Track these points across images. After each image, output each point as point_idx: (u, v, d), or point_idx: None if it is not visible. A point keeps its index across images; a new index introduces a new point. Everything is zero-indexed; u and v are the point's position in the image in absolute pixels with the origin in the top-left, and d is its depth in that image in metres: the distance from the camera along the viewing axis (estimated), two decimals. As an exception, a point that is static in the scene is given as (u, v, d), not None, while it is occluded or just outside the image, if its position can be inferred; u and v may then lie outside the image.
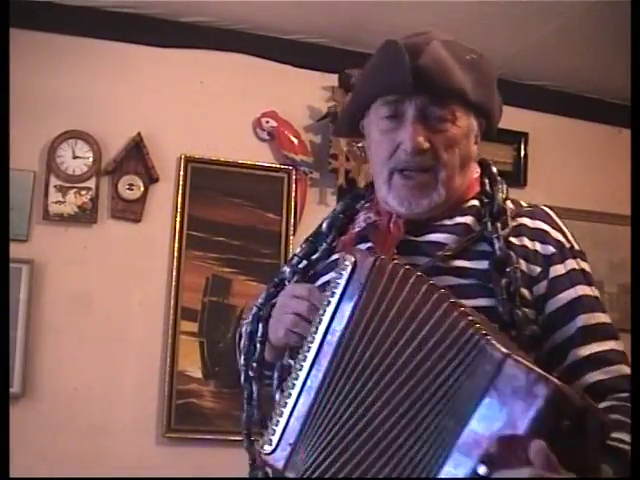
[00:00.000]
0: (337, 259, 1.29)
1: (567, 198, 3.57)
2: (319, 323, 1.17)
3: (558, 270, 1.31)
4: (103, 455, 2.83)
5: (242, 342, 1.43)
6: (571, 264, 1.32)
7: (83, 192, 2.94)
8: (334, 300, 1.17)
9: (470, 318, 1.07)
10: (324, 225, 1.44)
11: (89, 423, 2.84)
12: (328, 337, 1.15)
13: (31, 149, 2.92)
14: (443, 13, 2.95)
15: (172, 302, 2.98)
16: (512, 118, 3.67)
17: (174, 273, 3.00)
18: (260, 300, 1.41)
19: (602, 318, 1.31)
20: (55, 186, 2.92)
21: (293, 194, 3.18)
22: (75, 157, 2.95)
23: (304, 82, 3.27)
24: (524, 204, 1.40)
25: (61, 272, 2.90)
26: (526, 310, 1.27)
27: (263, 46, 3.23)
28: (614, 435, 1.11)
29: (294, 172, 3.19)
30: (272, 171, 3.20)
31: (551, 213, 1.39)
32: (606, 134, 3.70)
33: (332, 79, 3.30)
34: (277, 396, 1.30)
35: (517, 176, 3.52)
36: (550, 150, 3.59)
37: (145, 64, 3.11)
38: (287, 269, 1.42)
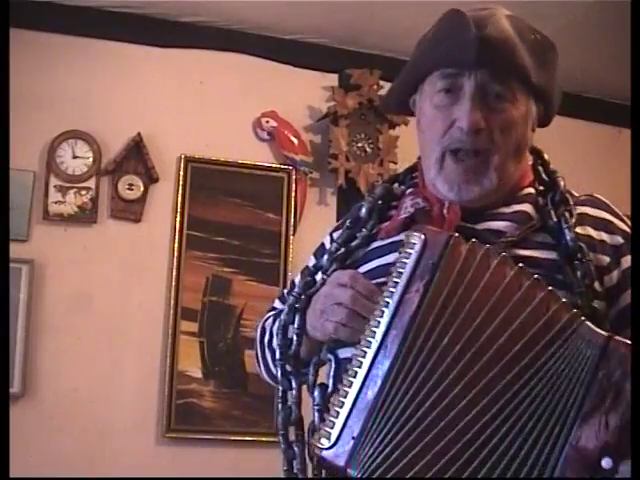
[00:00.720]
0: (387, 244, 1.22)
1: (567, 198, 3.57)
2: (385, 306, 1.07)
3: (629, 261, 1.24)
4: (103, 455, 2.83)
5: (267, 335, 1.35)
6: None
7: (83, 192, 2.94)
8: (402, 281, 1.07)
9: (562, 301, 1.01)
10: (363, 211, 1.33)
11: (89, 423, 2.84)
12: (396, 321, 1.05)
13: (31, 149, 2.92)
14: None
15: (172, 302, 2.98)
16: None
17: (174, 273, 3.00)
18: (297, 289, 1.29)
19: None
20: (55, 186, 2.92)
21: (293, 194, 3.18)
22: (75, 157, 2.95)
23: (304, 82, 3.27)
24: (575, 193, 1.35)
25: (61, 272, 2.90)
26: (598, 303, 1.20)
27: (263, 46, 3.23)
28: None
29: (294, 172, 3.19)
30: (272, 171, 3.20)
31: (609, 203, 1.34)
32: (606, 134, 3.70)
33: (332, 79, 3.30)
34: (315, 393, 1.21)
35: (517, 176, 3.52)
36: (550, 150, 3.58)
37: (145, 64, 3.11)
38: (325, 257, 1.32)
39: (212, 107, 3.15)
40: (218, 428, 2.94)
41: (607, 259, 1.24)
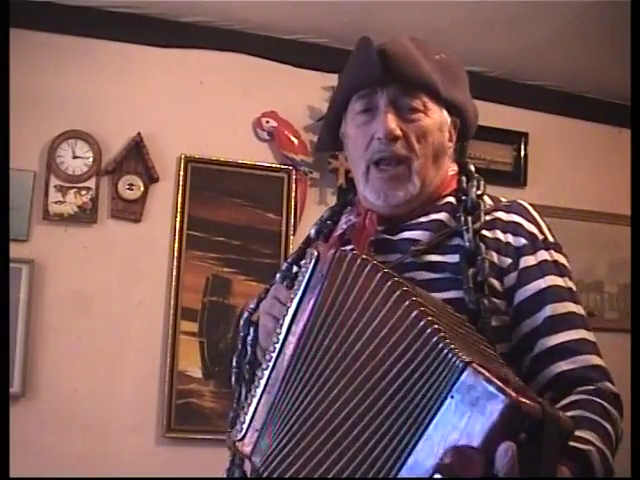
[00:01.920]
0: None
1: (567, 198, 3.57)
2: (285, 315, 1.21)
3: (529, 261, 1.32)
4: (103, 455, 2.83)
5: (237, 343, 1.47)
6: (542, 255, 1.33)
7: (83, 192, 2.95)
8: (299, 293, 1.20)
9: (426, 312, 1.06)
10: (312, 232, 1.49)
11: (89, 423, 2.84)
12: (293, 328, 1.19)
13: (31, 149, 2.92)
14: (443, 13, 2.95)
15: (172, 302, 2.98)
16: (512, 118, 3.70)
17: (174, 273, 3.00)
18: (251, 305, 1.44)
19: (572, 308, 1.31)
20: (55, 186, 2.92)
21: (293, 194, 3.18)
22: (75, 157, 2.95)
23: (304, 82, 3.27)
24: (503, 200, 1.41)
25: (61, 272, 2.90)
26: (496, 301, 1.28)
27: (263, 46, 3.23)
28: (577, 434, 1.10)
29: (294, 172, 3.19)
30: (272, 171, 3.20)
31: (528, 207, 1.40)
32: (606, 134, 3.70)
33: (332, 79, 3.30)
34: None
35: (517, 176, 3.52)
36: (550, 150, 3.59)
37: (145, 64, 3.11)
38: (277, 275, 1.45)
39: (212, 107, 3.15)
40: (218, 428, 2.94)
41: (509, 260, 1.32)
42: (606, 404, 1.21)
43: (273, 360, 1.20)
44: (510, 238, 1.33)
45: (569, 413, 1.16)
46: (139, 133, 3.00)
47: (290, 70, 3.27)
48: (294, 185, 3.19)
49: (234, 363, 1.46)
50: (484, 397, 0.96)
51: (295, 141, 3.19)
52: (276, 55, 3.24)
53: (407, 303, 1.08)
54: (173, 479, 2.83)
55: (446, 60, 1.42)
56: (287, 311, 1.21)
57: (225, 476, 1.43)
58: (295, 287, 1.22)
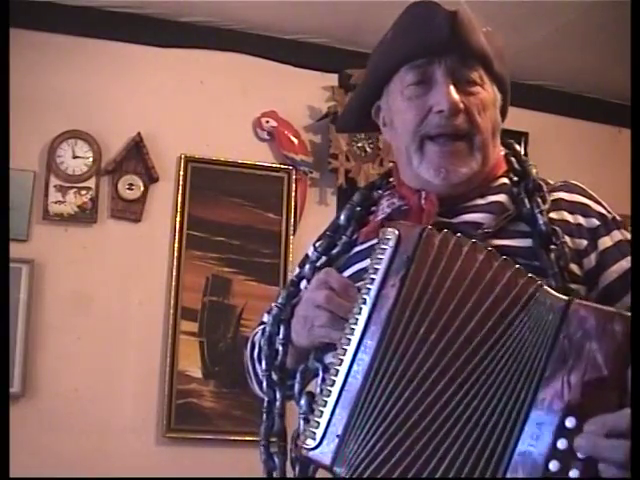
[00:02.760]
0: (366, 248, 1.22)
1: (567, 198, 3.57)
2: (363, 303, 1.07)
3: (606, 242, 1.25)
4: (103, 455, 2.83)
5: (257, 349, 1.35)
6: (617, 235, 1.26)
7: (83, 192, 2.94)
8: (378, 277, 1.07)
9: (529, 275, 1.01)
10: (342, 217, 1.34)
11: (89, 423, 2.84)
12: (374, 317, 1.05)
13: (31, 149, 2.92)
14: (443, 13, 2.95)
15: (172, 302, 2.98)
16: (512, 118, 3.68)
17: (174, 273, 3.00)
18: (280, 300, 1.29)
19: None
20: (55, 186, 2.92)
21: (293, 194, 3.18)
22: (75, 157, 2.95)
23: (304, 82, 3.27)
24: (551, 181, 1.34)
25: (61, 272, 2.90)
26: (577, 287, 1.20)
27: (263, 46, 3.23)
28: None
29: (294, 172, 3.19)
30: (272, 171, 3.20)
31: (585, 187, 1.33)
32: (606, 134, 3.70)
33: (332, 79, 3.30)
34: (302, 401, 1.21)
35: (517, 176, 3.52)
36: (550, 150, 3.59)
37: (145, 64, 3.11)
38: (307, 266, 1.32)
39: (212, 107, 3.15)
40: (218, 428, 2.95)
41: (585, 242, 1.24)
42: None
43: (351, 353, 1.05)
44: (581, 219, 1.26)
45: None
46: (139, 133, 3.00)
47: (290, 70, 3.27)
48: (294, 185, 3.19)
49: (264, 365, 1.28)
50: (599, 324, 0.92)
51: (295, 141, 3.19)
52: (276, 55, 3.24)
53: (523, 279, 1.00)
54: (173, 479, 2.83)
55: (491, 34, 1.34)
56: (364, 298, 1.07)
57: None
58: (370, 271, 1.09)
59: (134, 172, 3.00)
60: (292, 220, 3.15)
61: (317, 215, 3.17)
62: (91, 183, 2.96)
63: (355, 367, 1.04)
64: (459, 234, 1.11)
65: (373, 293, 1.07)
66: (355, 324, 1.06)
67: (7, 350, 2.43)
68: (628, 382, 0.89)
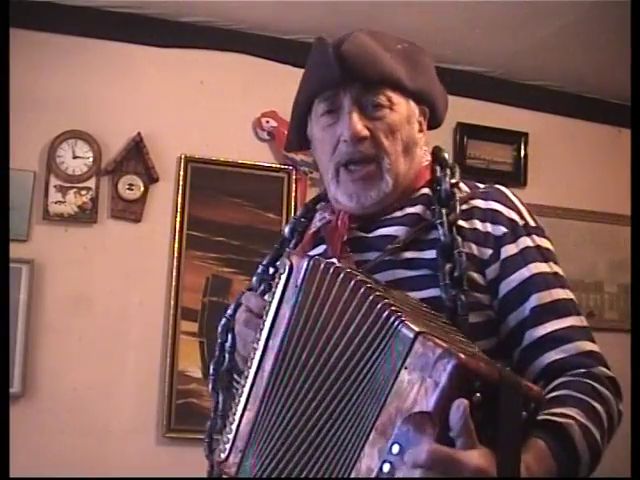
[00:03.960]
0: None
1: (567, 198, 3.57)
2: (262, 330, 1.18)
3: (510, 250, 1.27)
4: (103, 455, 2.83)
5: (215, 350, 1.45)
6: (524, 242, 1.28)
7: (83, 192, 2.94)
8: (274, 305, 1.17)
9: (388, 302, 1.07)
10: (286, 230, 1.45)
11: (89, 423, 2.84)
12: (270, 342, 1.16)
13: (31, 149, 2.92)
14: (443, 13, 2.95)
15: (172, 302, 2.98)
16: (512, 118, 3.70)
17: (174, 273, 3.00)
18: (229, 311, 1.41)
19: (560, 294, 1.26)
20: (55, 186, 2.92)
21: (293, 194, 3.18)
22: (75, 157, 2.95)
23: (304, 82, 3.27)
24: (480, 186, 1.36)
25: (61, 272, 2.90)
26: (479, 295, 1.24)
27: (263, 46, 3.23)
28: (556, 410, 1.09)
29: (294, 172, 3.19)
30: (272, 171, 3.20)
31: (507, 192, 1.35)
32: (606, 134, 3.70)
33: (332, 79, 3.30)
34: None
35: (517, 176, 3.52)
36: (550, 150, 3.59)
37: (145, 64, 3.11)
38: (254, 278, 1.42)
39: (212, 107, 3.15)
40: (218, 428, 2.95)
41: (489, 251, 1.27)
42: (596, 384, 1.17)
43: (252, 376, 1.17)
44: (489, 227, 1.28)
45: (553, 393, 1.15)
46: (139, 133, 3.00)
47: (290, 70, 3.26)
48: (294, 185, 3.19)
49: (211, 370, 1.42)
50: (433, 361, 0.96)
51: (295, 141, 3.18)
52: (276, 55, 3.24)
53: (379, 305, 1.06)
54: (173, 479, 2.83)
55: (409, 49, 1.38)
56: (263, 324, 1.18)
57: None
58: (269, 298, 1.19)
59: (134, 172, 3.00)
60: (292, 220, 3.14)
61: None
62: (91, 183, 2.96)
63: (254, 389, 1.17)
64: (377, 250, 1.24)
65: (269, 320, 1.17)
66: (257, 349, 1.18)
67: (7, 350, 2.43)
68: (450, 419, 0.94)
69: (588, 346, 1.23)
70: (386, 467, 0.97)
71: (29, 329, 2.80)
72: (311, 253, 1.32)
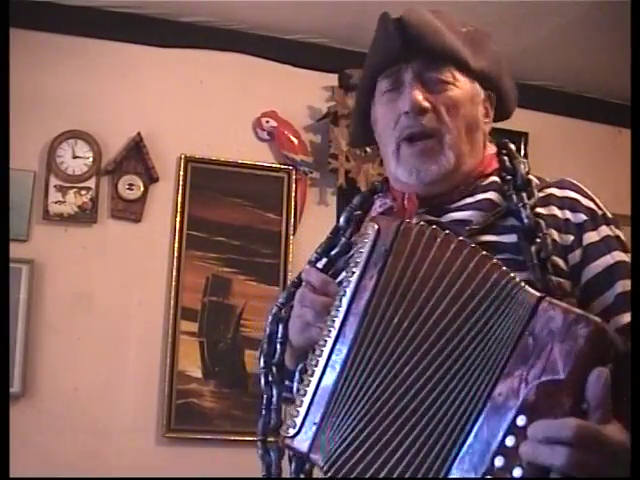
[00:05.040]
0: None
1: (567, 198, 3.57)
2: (343, 295, 1.10)
3: (592, 237, 1.25)
4: (103, 455, 2.83)
5: (261, 345, 1.36)
6: (605, 230, 1.26)
7: (83, 192, 2.94)
8: (358, 270, 1.11)
9: (503, 268, 1.02)
10: (341, 219, 1.37)
11: (89, 423, 2.84)
12: (353, 308, 1.09)
13: (31, 149, 2.92)
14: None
15: (172, 302, 2.98)
16: (512, 118, 3.69)
17: (174, 273, 3.00)
18: (280, 300, 1.33)
19: None
20: (55, 186, 2.92)
21: (293, 194, 3.18)
22: (75, 157, 2.95)
23: (304, 82, 3.27)
24: (547, 179, 1.34)
25: (61, 272, 2.89)
26: (562, 280, 1.20)
27: (263, 46, 3.23)
28: None
29: (294, 172, 3.19)
30: (272, 171, 3.20)
31: (579, 183, 1.34)
32: (606, 134, 3.70)
33: (332, 79, 3.30)
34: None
35: (517, 176, 3.52)
36: (550, 150, 3.59)
37: (145, 64, 3.11)
38: (305, 267, 1.34)
39: (212, 107, 3.15)
40: (218, 428, 2.95)
41: (571, 237, 1.24)
42: None
43: (330, 344, 1.08)
44: (569, 214, 1.26)
45: None
46: (139, 133, 3.00)
47: (290, 70, 3.27)
48: (294, 185, 3.19)
49: (261, 363, 1.32)
50: (565, 325, 0.90)
51: (295, 141, 3.19)
52: (276, 55, 3.24)
53: (487, 265, 1.01)
54: (173, 479, 2.83)
55: (474, 32, 1.35)
56: (345, 291, 1.10)
57: None
58: (350, 265, 1.12)
59: (134, 172, 3.00)
60: (292, 220, 3.15)
61: (317, 215, 3.17)
62: (91, 183, 2.96)
63: (334, 357, 1.08)
64: (434, 226, 1.14)
65: (352, 285, 1.10)
66: (336, 316, 1.10)
67: (7, 350, 2.43)
68: (587, 388, 0.89)
69: None
70: (509, 440, 0.90)
71: (29, 329, 2.80)
72: None
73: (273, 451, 1.26)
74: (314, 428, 1.06)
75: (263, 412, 1.30)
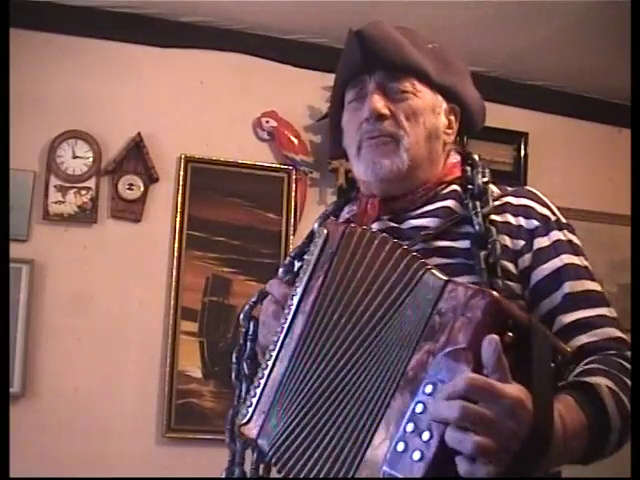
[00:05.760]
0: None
1: (567, 198, 3.56)
2: (294, 295, 1.20)
3: (542, 242, 1.30)
4: (103, 455, 2.83)
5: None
6: (556, 235, 1.31)
7: (83, 192, 2.95)
8: (307, 271, 1.20)
9: (421, 260, 1.09)
10: (315, 226, 1.45)
11: (89, 423, 2.84)
12: (301, 306, 1.18)
13: (31, 149, 2.92)
14: (443, 13, 2.95)
15: (172, 302, 2.98)
16: (512, 118, 3.69)
17: (174, 273, 3.00)
18: (252, 299, 1.42)
19: (590, 285, 1.29)
20: (55, 186, 2.92)
21: (293, 194, 3.18)
22: (75, 157, 2.95)
23: (304, 82, 3.27)
24: (509, 188, 1.40)
25: (61, 272, 2.90)
26: (511, 284, 1.26)
27: (263, 46, 3.23)
28: (586, 379, 1.10)
29: (294, 172, 3.19)
30: (272, 171, 3.20)
31: (537, 191, 1.39)
32: (606, 134, 3.70)
33: (332, 79, 3.27)
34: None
35: (517, 176, 3.52)
36: (550, 150, 3.59)
37: (145, 64, 3.11)
38: (280, 270, 1.43)
39: (212, 107, 3.15)
40: (218, 428, 2.92)
41: (522, 242, 1.30)
42: (625, 363, 1.18)
43: (280, 340, 1.19)
44: (522, 221, 1.32)
45: (583, 368, 1.15)
46: (139, 133, 3.00)
47: (290, 70, 3.27)
48: (294, 185, 3.19)
49: (234, 359, 1.44)
50: (466, 300, 0.98)
51: (295, 141, 3.19)
52: (276, 55, 3.24)
53: (408, 257, 1.09)
54: (173, 479, 2.83)
55: (439, 49, 1.42)
56: (296, 291, 1.20)
57: (224, 476, 1.41)
58: (303, 267, 1.21)
59: (134, 172, 3.00)
60: (292, 220, 3.15)
61: (317, 215, 3.16)
62: (91, 183, 2.96)
63: (282, 352, 1.18)
64: (408, 239, 1.25)
65: (302, 286, 1.20)
66: (287, 315, 1.20)
67: (7, 350, 2.43)
68: (482, 354, 0.94)
69: (618, 333, 1.26)
70: (419, 407, 0.96)
71: (29, 329, 2.80)
72: None
73: (239, 441, 1.36)
74: (262, 416, 1.16)
75: (234, 404, 1.43)
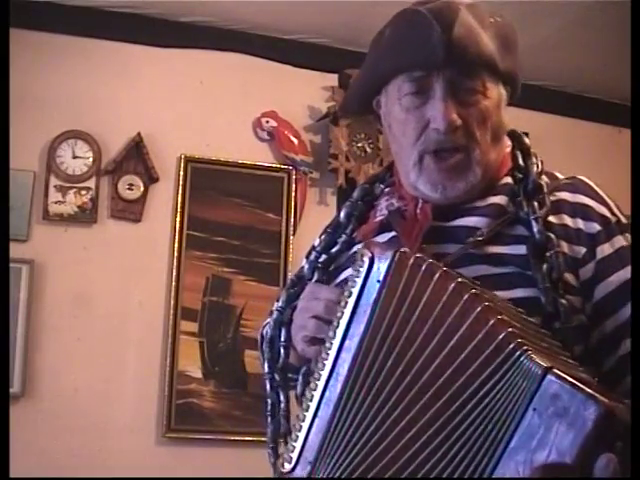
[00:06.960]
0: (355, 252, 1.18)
1: (567, 198, 3.57)
2: (337, 327, 1.07)
3: (605, 250, 1.17)
4: (103, 455, 2.83)
5: (263, 346, 1.33)
6: (619, 242, 1.18)
7: (83, 192, 2.94)
8: (351, 301, 1.06)
9: (502, 319, 0.96)
10: (342, 215, 1.32)
11: (89, 423, 2.84)
12: (346, 343, 1.05)
13: (31, 149, 2.92)
14: (443, 13, 2.95)
15: (172, 302, 2.98)
16: (512, 118, 3.69)
17: (174, 273, 3.00)
18: (280, 303, 1.30)
19: None
20: (55, 186, 2.92)
21: (293, 194, 3.18)
22: (75, 157, 2.95)
23: (304, 82, 3.27)
24: (560, 176, 1.28)
25: (61, 272, 2.89)
26: (571, 298, 1.13)
27: (263, 46, 3.23)
28: None
29: (294, 172, 3.19)
30: (272, 171, 3.20)
31: (593, 184, 1.26)
32: (606, 134, 3.70)
33: (332, 79, 3.30)
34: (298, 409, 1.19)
35: (517, 176, 3.52)
36: (550, 150, 3.57)
37: (145, 64, 3.11)
38: (305, 266, 1.32)
39: (212, 107, 3.15)
40: (218, 428, 2.94)
41: (583, 250, 1.17)
42: None
43: (324, 380, 1.06)
44: (580, 223, 1.19)
45: None
46: (139, 133, 3.00)
47: (290, 70, 3.27)
48: (294, 185, 3.19)
49: (266, 368, 1.29)
50: (572, 406, 0.86)
51: (295, 141, 3.19)
52: (276, 55, 3.24)
53: (491, 321, 0.95)
54: (173, 479, 2.83)
55: (500, 23, 1.29)
56: (339, 322, 1.06)
57: None
58: (345, 293, 1.07)
59: (134, 172, 3.00)
60: (292, 220, 3.15)
61: (317, 215, 3.17)
62: (91, 183, 2.96)
63: (327, 394, 1.05)
64: (457, 242, 1.12)
65: (346, 318, 1.06)
66: (330, 349, 1.07)
67: (7, 350, 2.43)
68: (594, 474, 0.85)
69: None
70: None
71: (29, 329, 2.80)
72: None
73: (279, 459, 1.21)
74: (308, 467, 1.05)
75: (270, 419, 1.28)
